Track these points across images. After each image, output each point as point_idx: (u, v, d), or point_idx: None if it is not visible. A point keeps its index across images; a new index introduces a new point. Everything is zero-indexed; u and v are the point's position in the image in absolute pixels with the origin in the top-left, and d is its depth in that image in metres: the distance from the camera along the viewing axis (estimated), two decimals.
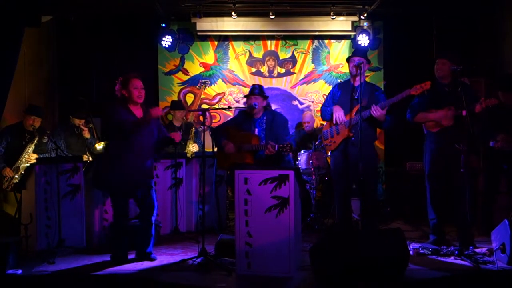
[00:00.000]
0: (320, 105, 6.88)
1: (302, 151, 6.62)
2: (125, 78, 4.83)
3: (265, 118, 5.69)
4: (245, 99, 6.49)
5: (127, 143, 4.77)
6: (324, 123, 5.75)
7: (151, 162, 5.00)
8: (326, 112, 5.55)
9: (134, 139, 4.77)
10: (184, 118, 7.43)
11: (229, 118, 6.97)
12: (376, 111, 5.11)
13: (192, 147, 6.99)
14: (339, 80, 7.98)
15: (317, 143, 6.54)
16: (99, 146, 6.35)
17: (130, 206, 5.01)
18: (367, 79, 6.05)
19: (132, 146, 4.78)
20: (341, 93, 5.50)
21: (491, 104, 5.01)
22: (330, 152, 5.64)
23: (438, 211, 5.34)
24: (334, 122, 5.38)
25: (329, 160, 6.76)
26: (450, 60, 5.26)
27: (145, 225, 4.95)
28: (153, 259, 4.88)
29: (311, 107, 8.15)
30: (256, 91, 5.70)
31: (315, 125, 7.65)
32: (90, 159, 6.27)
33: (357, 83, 5.33)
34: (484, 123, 5.51)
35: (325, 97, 6.41)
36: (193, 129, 7.09)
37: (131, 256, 4.94)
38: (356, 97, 5.26)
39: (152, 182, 5.01)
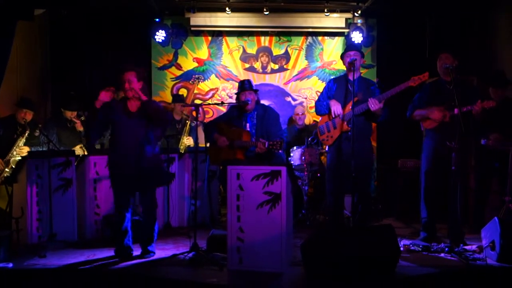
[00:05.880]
0: (313, 101, 6.90)
1: (295, 147, 6.62)
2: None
3: (256, 113, 5.64)
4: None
5: (115, 138, 4.86)
6: (319, 118, 5.71)
7: (146, 154, 4.79)
8: (321, 107, 5.48)
9: (120, 134, 4.80)
10: (183, 112, 7.31)
11: (220, 114, 6.95)
12: (374, 104, 5.07)
13: (187, 140, 6.92)
14: (332, 77, 7.97)
15: (310, 139, 6.54)
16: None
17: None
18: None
19: (119, 141, 4.81)
20: (337, 87, 5.45)
21: (488, 107, 4.98)
22: (327, 147, 5.55)
23: (431, 208, 5.35)
24: (333, 115, 5.34)
25: (322, 158, 6.78)
26: (453, 55, 5.21)
27: (145, 223, 4.99)
28: (149, 256, 4.84)
29: (304, 104, 8.14)
30: (247, 86, 5.64)
31: (306, 121, 7.64)
32: (85, 152, 6.22)
33: (352, 78, 5.29)
34: (479, 122, 5.51)
35: (319, 93, 6.38)
36: (188, 122, 7.01)
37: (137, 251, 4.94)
38: (352, 90, 5.22)
39: (153, 181, 5.00)
